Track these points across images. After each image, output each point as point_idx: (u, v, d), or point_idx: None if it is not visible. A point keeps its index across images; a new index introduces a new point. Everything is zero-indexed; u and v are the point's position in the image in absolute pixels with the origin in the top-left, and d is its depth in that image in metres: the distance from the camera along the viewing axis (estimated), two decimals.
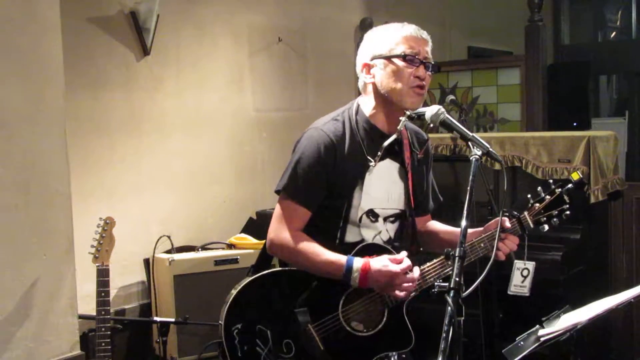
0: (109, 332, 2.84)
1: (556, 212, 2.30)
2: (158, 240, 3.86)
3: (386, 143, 2.28)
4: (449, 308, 1.70)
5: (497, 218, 2.30)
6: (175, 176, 4.18)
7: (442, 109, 2.15)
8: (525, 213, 2.32)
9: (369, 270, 2.15)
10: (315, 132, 2.25)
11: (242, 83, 4.62)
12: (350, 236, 2.29)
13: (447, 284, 1.76)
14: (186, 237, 4.15)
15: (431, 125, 2.24)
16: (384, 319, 2.23)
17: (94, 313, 2.87)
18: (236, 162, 4.56)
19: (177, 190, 4.19)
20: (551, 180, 2.32)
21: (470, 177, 1.94)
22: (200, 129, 4.32)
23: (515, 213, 2.32)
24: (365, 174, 2.27)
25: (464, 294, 1.77)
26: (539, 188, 2.31)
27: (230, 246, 4.01)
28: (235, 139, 4.56)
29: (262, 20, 4.74)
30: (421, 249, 2.40)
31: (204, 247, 4.01)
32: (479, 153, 2.01)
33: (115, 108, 3.85)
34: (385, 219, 2.33)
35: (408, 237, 2.41)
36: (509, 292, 2.41)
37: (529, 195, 2.31)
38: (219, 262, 3.80)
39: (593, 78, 7.61)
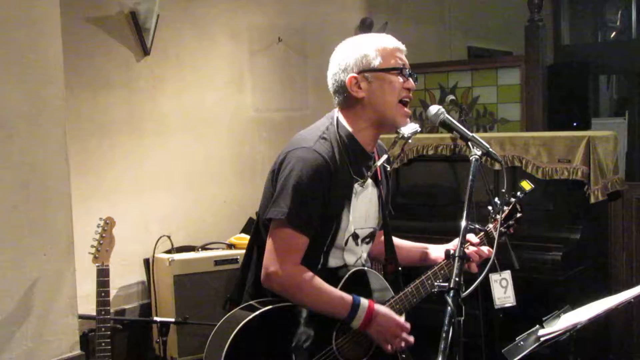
0: (109, 332, 2.85)
1: (512, 221, 2.34)
2: (158, 240, 3.87)
3: (379, 162, 2.24)
4: (449, 308, 1.69)
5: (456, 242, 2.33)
6: (175, 176, 4.18)
7: (442, 109, 2.15)
8: (490, 226, 2.34)
9: (374, 312, 2.11)
10: (308, 153, 2.09)
11: (242, 83, 4.62)
12: (333, 261, 2.20)
13: (447, 284, 1.76)
14: (186, 237, 4.15)
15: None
16: (373, 346, 2.20)
17: (94, 313, 2.88)
18: (236, 162, 4.56)
19: (177, 190, 4.19)
20: (503, 190, 2.35)
21: (470, 177, 1.94)
22: (200, 129, 4.32)
23: (483, 228, 2.34)
24: (352, 195, 2.17)
25: (464, 294, 1.77)
26: (496, 199, 2.34)
27: (230, 246, 4.01)
28: (235, 139, 4.56)
29: (262, 20, 4.74)
30: (400, 268, 2.31)
31: (204, 247, 4.01)
32: (479, 153, 2.01)
33: (115, 108, 3.85)
34: (362, 240, 2.26)
35: (381, 255, 2.37)
36: (495, 307, 2.42)
37: (489, 207, 2.33)
38: (219, 262, 3.80)
39: (593, 78, 7.61)
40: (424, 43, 6.26)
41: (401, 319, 2.18)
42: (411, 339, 2.18)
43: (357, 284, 2.19)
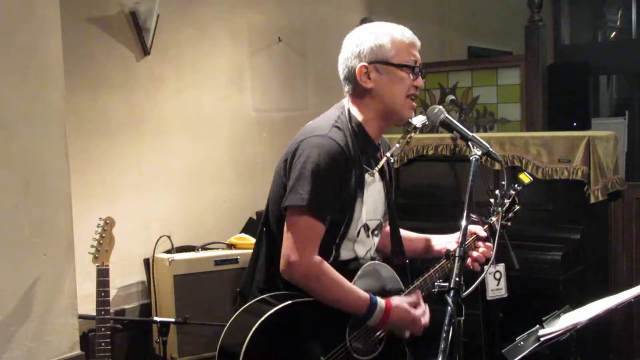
0: (109, 332, 2.84)
1: (512, 214, 2.33)
2: (158, 240, 3.86)
3: (389, 153, 2.25)
4: (449, 308, 1.69)
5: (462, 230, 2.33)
6: (175, 176, 4.18)
7: (442, 109, 2.15)
8: (493, 219, 2.34)
9: (391, 311, 2.10)
10: (325, 140, 2.07)
11: (242, 83, 4.62)
12: (345, 253, 2.18)
13: (447, 284, 1.76)
14: (186, 237, 4.15)
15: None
16: (384, 341, 2.21)
17: (94, 313, 2.87)
18: (236, 162, 4.56)
19: (177, 190, 4.19)
20: (503, 183, 2.34)
21: (470, 177, 1.94)
22: (200, 129, 4.32)
23: (487, 220, 2.34)
24: (364, 185, 2.16)
25: (464, 294, 1.77)
26: (497, 192, 2.34)
27: (230, 246, 4.01)
28: (235, 139, 4.56)
29: (262, 20, 4.74)
30: (407, 261, 2.31)
31: (204, 247, 4.01)
32: (479, 153, 2.00)
33: (115, 108, 3.85)
34: (372, 232, 2.25)
35: (387, 248, 2.36)
36: (488, 298, 2.42)
37: (491, 200, 2.33)
38: (219, 262, 3.79)
39: (593, 78, 7.62)
40: (424, 43, 6.21)
41: (420, 308, 2.17)
42: (426, 320, 2.18)
43: (369, 277, 2.19)
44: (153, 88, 4.05)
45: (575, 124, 5.56)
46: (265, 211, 2.26)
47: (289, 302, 2.07)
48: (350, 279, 2.14)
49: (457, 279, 1.74)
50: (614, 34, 8.87)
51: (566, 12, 8.42)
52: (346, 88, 2.23)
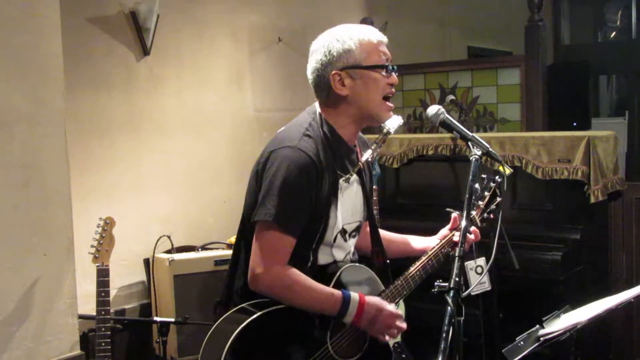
0: (109, 332, 2.84)
1: (493, 206, 2.35)
2: (158, 240, 3.86)
3: (364, 158, 2.22)
4: (449, 308, 1.69)
5: (444, 232, 2.37)
6: (175, 176, 4.18)
7: (442, 109, 2.15)
8: (474, 212, 2.35)
9: (365, 306, 2.08)
10: (293, 152, 2.06)
11: (242, 83, 4.62)
12: (323, 258, 2.17)
13: (447, 284, 1.76)
14: (186, 237, 4.15)
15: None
16: (367, 342, 2.19)
17: (94, 313, 2.88)
18: (236, 162, 4.55)
19: (177, 190, 4.19)
20: (484, 176, 2.34)
21: (470, 177, 1.94)
22: (200, 129, 4.32)
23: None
24: (338, 192, 2.14)
25: (464, 294, 1.77)
26: (476, 185, 2.34)
27: (230, 246, 4.00)
28: (235, 139, 4.56)
29: (262, 20, 4.74)
30: (388, 261, 2.30)
31: (204, 247, 4.01)
32: (479, 153, 2.01)
33: (115, 108, 3.85)
34: (349, 235, 2.24)
35: (368, 248, 2.35)
36: (472, 294, 2.43)
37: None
38: (219, 262, 3.79)
39: (593, 78, 7.62)
40: (424, 43, 6.26)
41: (393, 306, 2.16)
42: (404, 325, 2.17)
43: (349, 280, 2.18)
44: (153, 88, 4.05)
45: (575, 124, 5.55)
46: (242, 219, 2.26)
47: (267, 309, 2.06)
48: (328, 282, 2.13)
49: (457, 279, 1.75)
50: (614, 34, 8.87)
51: (566, 12, 8.42)
52: (318, 95, 2.22)
